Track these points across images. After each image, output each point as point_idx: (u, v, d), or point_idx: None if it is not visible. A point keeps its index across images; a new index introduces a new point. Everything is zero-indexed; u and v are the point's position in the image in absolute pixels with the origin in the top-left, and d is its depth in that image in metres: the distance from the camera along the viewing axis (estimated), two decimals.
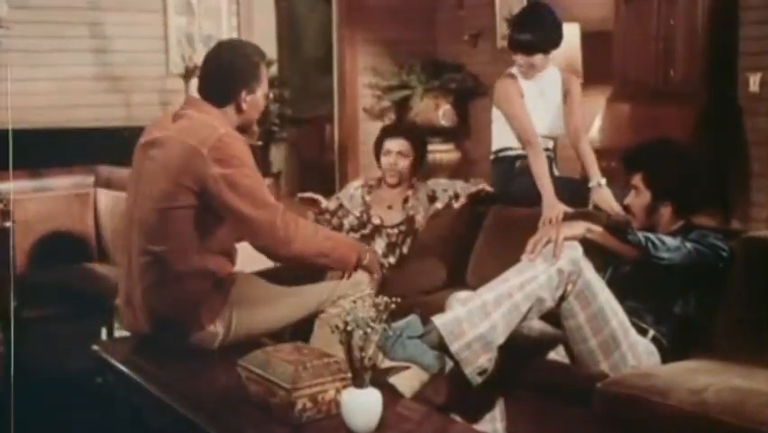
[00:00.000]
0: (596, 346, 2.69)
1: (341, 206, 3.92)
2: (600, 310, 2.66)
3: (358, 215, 3.86)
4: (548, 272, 2.58)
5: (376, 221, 3.86)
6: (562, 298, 2.62)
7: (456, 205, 3.87)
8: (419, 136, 4.12)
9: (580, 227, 2.74)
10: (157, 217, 2.65)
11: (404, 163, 3.89)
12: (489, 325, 2.52)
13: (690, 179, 2.94)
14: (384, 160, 3.91)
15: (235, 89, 2.75)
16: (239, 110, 2.77)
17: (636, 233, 2.80)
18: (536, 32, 3.85)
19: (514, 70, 3.96)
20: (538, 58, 3.87)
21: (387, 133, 4.01)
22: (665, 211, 2.95)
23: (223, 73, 2.76)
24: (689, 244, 2.80)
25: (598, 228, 2.78)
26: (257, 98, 2.79)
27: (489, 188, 3.93)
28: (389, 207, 3.90)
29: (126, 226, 2.80)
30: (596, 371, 2.70)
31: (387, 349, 2.52)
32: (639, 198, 2.97)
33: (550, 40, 3.89)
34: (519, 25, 3.92)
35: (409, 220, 3.87)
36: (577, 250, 2.64)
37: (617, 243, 2.77)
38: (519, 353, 2.73)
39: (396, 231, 3.85)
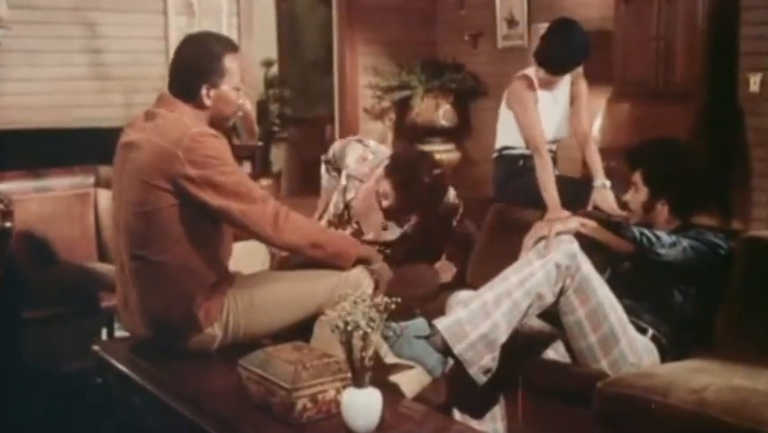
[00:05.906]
0: (595, 342, 2.69)
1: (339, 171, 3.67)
2: (599, 305, 2.66)
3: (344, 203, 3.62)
4: (546, 268, 2.59)
5: (369, 237, 3.58)
6: (561, 292, 2.62)
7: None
8: (400, 171, 3.44)
9: (573, 222, 2.77)
10: (140, 221, 2.60)
11: (390, 201, 3.47)
12: (491, 324, 2.53)
13: (688, 178, 2.95)
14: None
15: (196, 84, 2.64)
16: (201, 105, 2.65)
17: (632, 228, 2.81)
18: (566, 56, 3.82)
19: (530, 72, 3.94)
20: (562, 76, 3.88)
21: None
22: (662, 209, 2.96)
23: (183, 68, 2.67)
24: (685, 241, 2.81)
25: (592, 223, 2.80)
26: (223, 92, 2.65)
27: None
28: (385, 229, 3.61)
29: (113, 231, 2.76)
30: (596, 369, 2.71)
31: (392, 343, 2.52)
32: (637, 194, 2.99)
33: (577, 61, 3.88)
34: (550, 46, 3.85)
35: (404, 236, 3.63)
36: (573, 244, 2.65)
37: (612, 237, 2.78)
38: (519, 352, 2.73)
39: (390, 248, 3.58)
